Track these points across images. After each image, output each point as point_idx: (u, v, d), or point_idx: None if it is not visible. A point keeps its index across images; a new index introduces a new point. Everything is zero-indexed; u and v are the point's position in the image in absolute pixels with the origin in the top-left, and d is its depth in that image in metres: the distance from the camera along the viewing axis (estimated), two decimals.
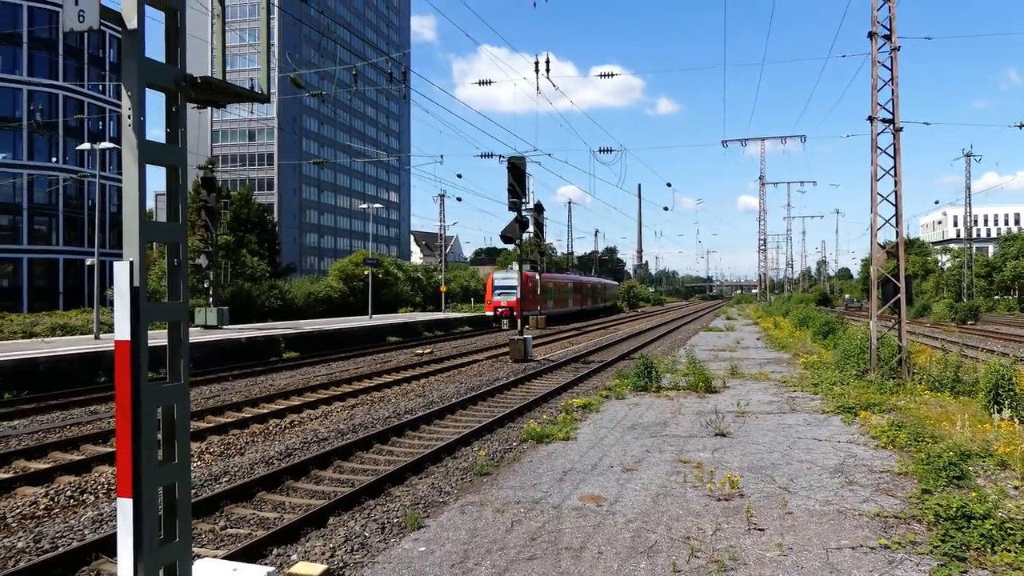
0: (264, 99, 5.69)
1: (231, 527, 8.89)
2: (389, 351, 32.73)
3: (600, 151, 40.32)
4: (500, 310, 52.47)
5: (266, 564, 7.42)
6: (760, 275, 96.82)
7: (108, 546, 7.87)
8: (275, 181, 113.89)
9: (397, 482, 10.57)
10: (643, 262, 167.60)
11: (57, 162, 70.00)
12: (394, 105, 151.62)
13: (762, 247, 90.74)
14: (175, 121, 4.94)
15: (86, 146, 45.78)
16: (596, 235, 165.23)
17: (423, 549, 7.68)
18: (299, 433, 14.29)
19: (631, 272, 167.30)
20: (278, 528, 8.37)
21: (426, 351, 31.61)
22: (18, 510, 9.41)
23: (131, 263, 4.40)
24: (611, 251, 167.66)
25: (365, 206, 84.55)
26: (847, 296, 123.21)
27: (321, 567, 6.42)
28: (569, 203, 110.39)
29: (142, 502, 4.25)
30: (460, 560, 7.32)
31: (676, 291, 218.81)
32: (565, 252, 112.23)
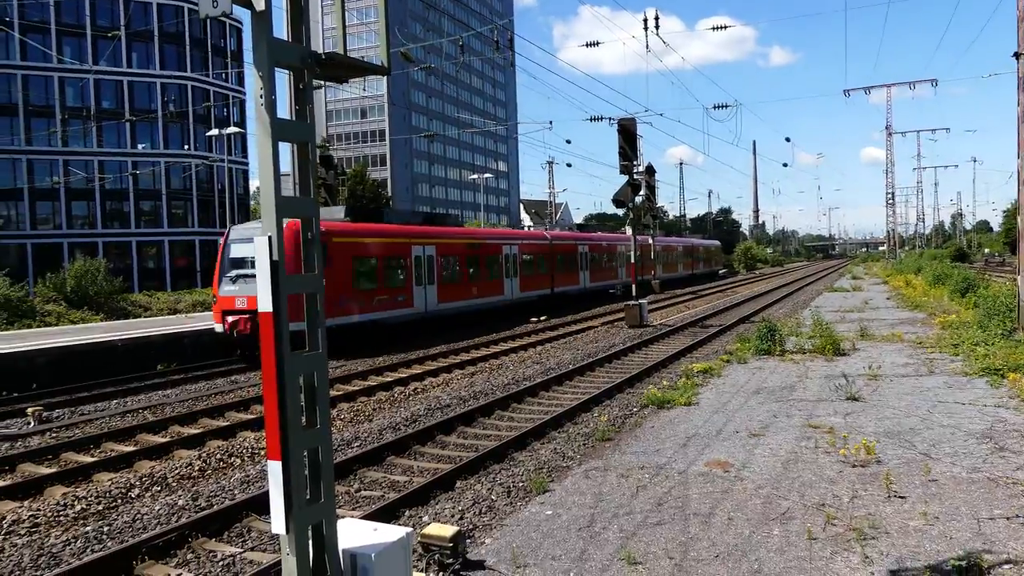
0: (385, 71, 5.76)
1: (364, 489, 9.30)
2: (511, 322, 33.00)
3: (714, 107, 38.88)
4: (233, 323, 20.63)
5: (400, 525, 7.72)
6: (888, 231, 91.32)
7: (256, 505, 8.43)
8: (387, 156, 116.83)
9: (520, 447, 10.73)
10: (760, 222, 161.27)
11: (189, 149, 74.53)
12: (500, 74, 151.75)
13: (890, 201, 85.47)
14: (303, 98, 5.08)
15: (214, 132, 48.45)
16: (709, 196, 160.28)
17: (549, 512, 7.77)
18: (423, 400, 14.74)
19: (747, 233, 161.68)
20: (409, 491, 8.68)
21: (541, 318, 31.80)
22: (176, 471, 10.21)
23: (269, 238, 4.58)
24: (726, 212, 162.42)
25: (475, 177, 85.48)
26: (987, 251, 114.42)
27: (453, 528, 6.60)
28: (680, 164, 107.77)
29: (290, 464, 4.47)
30: (587, 524, 7.36)
31: (796, 251, 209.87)
32: (677, 215, 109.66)
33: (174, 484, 9.78)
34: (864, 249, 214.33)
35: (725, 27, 32.79)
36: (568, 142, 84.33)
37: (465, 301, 29.21)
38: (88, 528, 8.08)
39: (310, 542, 4.67)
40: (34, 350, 18.38)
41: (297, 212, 5.02)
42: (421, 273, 26.28)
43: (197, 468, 10.39)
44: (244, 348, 21.01)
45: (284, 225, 4.77)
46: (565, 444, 10.77)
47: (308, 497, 4.68)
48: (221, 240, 22.67)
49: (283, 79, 5.98)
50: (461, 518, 7.85)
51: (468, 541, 6.97)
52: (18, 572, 6.96)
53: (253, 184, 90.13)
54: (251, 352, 20.36)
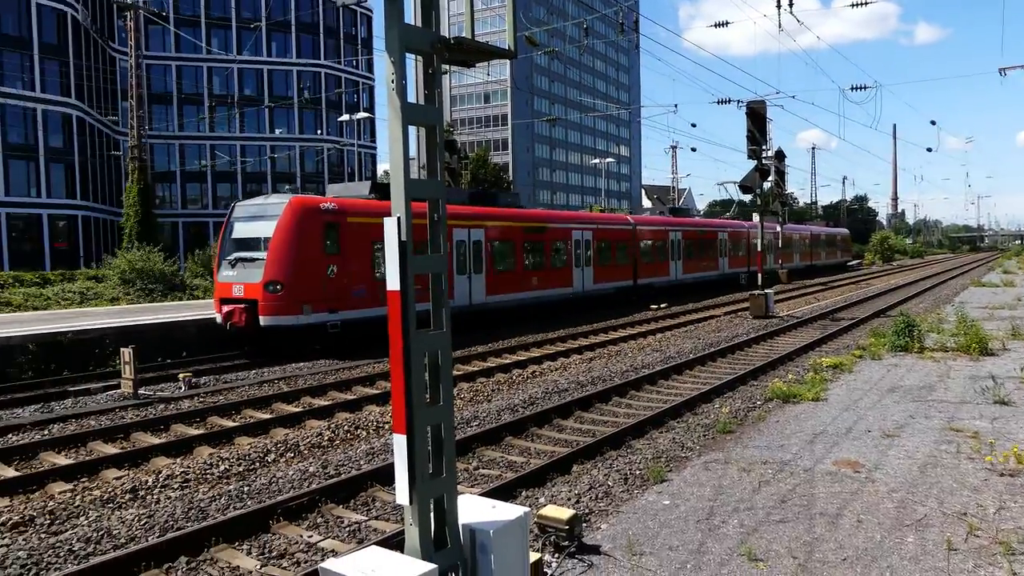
0: (511, 55, 5.80)
1: (483, 468, 9.50)
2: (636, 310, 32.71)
3: (851, 89, 36.73)
4: (228, 313, 18.45)
5: (517, 504, 7.84)
6: None
7: (380, 476, 8.79)
8: (509, 141, 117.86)
9: (638, 435, 10.62)
10: (899, 211, 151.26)
11: (321, 134, 78.06)
12: (623, 57, 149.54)
13: None
14: (431, 83, 5.19)
15: (345, 117, 50.43)
16: (843, 182, 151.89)
17: (667, 502, 7.66)
18: (540, 383, 14.85)
19: (884, 222, 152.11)
20: (526, 472, 8.79)
21: (662, 306, 31.29)
22: (308, 439, 10.80)
23: (398, 219, 4.73)
24: (860, 200, 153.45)
25: (596, 161, 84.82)
26: None
27: (569, 511, 6.63)
28: (812, 148, 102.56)
29: (414, 438, 4.63)
30: (706, 516, 7.21)
31: (939, 242, 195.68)
32: (808, 202, 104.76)
33: (305, 452, 10.35)
34: (1018, 241, 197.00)
35: (865, 3, 30.78)
36: (693, 126, 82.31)
37: (522, 294, 25.72)
38: (231, 487, 8.70)
39: (432, 515, 4.82)
40: (186, 321, 19.86)
41: (425, 193, 5.15)
42: (465, 261, 22.96)
43: (326, 438, 10.94)
44: (241, 342, 19.15)
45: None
46: (684, 434, 10.57)
47: (431, 471, 4.83)
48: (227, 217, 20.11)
49: (411, 64, 6.14)
50: (577, 502, 7.87)
51: (584, 525, 6.99)
52: (172, 522, 7.58)
53: (380, 167, 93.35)
54: (249, 346, 18.95)
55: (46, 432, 11.36)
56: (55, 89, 56.88)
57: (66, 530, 7.56)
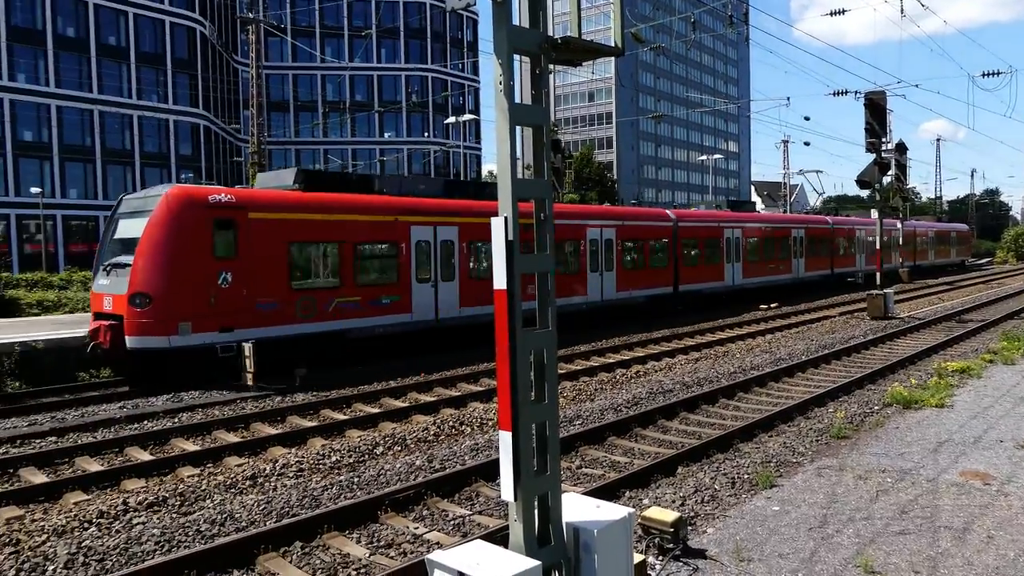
0: (618, 52, 5.76)
1: (586, 467, 9.48)
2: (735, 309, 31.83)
3: (982, 75, 34.33)
4: (94, 331, 14.95)
5: (620, 504, 7.79)
6: None
7: (484, 472, 8.92)
8: (614, 139, 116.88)
9: (746, 438, 10.32)
10: None
11: (428, 136, 79.88)
12: (732, 50, 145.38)
13: None
14: (539, 83, 5.22)
15: (451, 120, 51.38)
16: (972, 175, 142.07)
17: (777, 508, 7.42)
18: (644, 383, 14.67)
19: (1019, 216, 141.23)
20: (629, 472, 8.71)
21: (772, 305, 30.25)
22: (414, 434, 11.09)
23: (505, 219, 4.79)
24: (991, 193, 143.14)
25: (703, 158, 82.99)
26: None
27: (674, 514, 6.53)
28: (937, 140, 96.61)
29: (519, 435, 4.68)
30: (818, 524, 6.93)
31: None
32: (932, 196, 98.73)
33: (412, 445, 10.63)
34: None
35: None
36: (807, 119, 79.03)
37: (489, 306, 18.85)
38: (341, 477, 9.05)
39: (536, 511, 4.86)
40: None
41: (532, 193, 5.19)
42: (424, 265, 18.56)
43: (432, 433, 11.20)
44: (108, 365, 15.86)
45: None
46: (795, 439, 10.19)
47: (535, 468, 4.87)
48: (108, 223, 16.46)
49: (517, 65, 6.19)
50: (682, 504, 7.74)
51: (689, 528, 6.86)
52: (287, 509, 7.97)
53: (485, 168, 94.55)
54: (121, 370, 15.50)
55: (176, 420, 12.15)
56: (185, 101, 60.80)
57: (194, 511, 8.07)
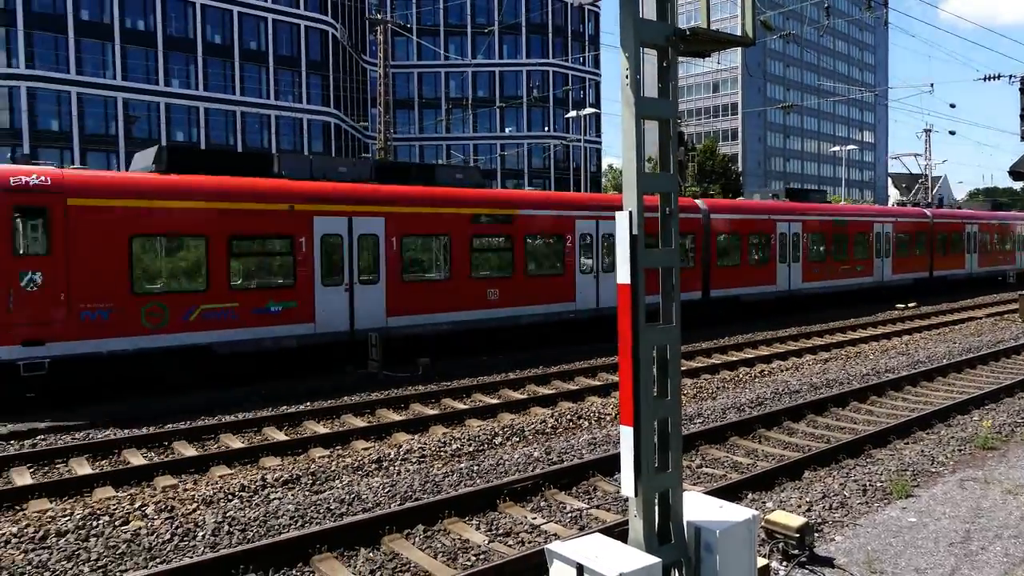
0: (749, 42, 5.59)
1: (706, 466, 9.28)
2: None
3: None
4: None
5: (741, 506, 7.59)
6: None
7: (601, 466, 8.91)
8: (739, 131, 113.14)
9: (879, 444, 9.80)
10: None
11: (548, 131, 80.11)
12: (869, 35, 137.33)
13: None
14: (666, 75, 5.16)
15: (572, 114, 51.31)
16: None
17: (913, 520, 7.01)
18: (769, 383, 14.17)
19: None
20: (752, 474, 8.46)
21: (909, 305, 28.44)
22: (532, 426, 11.21)
23: (630, 213, 4.76)
24: None
25: (836, 149, 78.95)
26: None
27: (800, 519, 6.30)
28: None
29: (640, 431, 4.66)
30: (960, 539, 6.50)
31: None
32: None
33: (530, 437, 10.75)
34: None
35: None
36: (952, 106, 73.50)
37: (445, 315, 16.98)
38: (462, 465, 9.28)
39: (656, 508, 4.82)
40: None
41: (657, 187, 5.13)
42: (334, 264, 15.52)
43: (550, 425, 11.29)
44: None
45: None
46: (935, 447, 9.57)
47: (656, 465, 4.83)
48: None
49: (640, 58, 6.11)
50: (808, 510, 7.44)
51: (816, 535, 6.60)
52: (410, 493, 8.27)
53: (605, 162, 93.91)
54: None
55: (308, 404, 12.82)
56: (317, 100, 63.84)
57: (325, 490, 8.51)
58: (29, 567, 6.47)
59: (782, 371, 15.67)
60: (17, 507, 8.20)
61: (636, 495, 4.66)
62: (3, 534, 7.20)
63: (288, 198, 14.86)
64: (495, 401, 13.03)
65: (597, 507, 7.95)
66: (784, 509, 7.42)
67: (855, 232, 29.22)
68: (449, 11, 79.70)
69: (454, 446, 10.22)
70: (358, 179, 16.46)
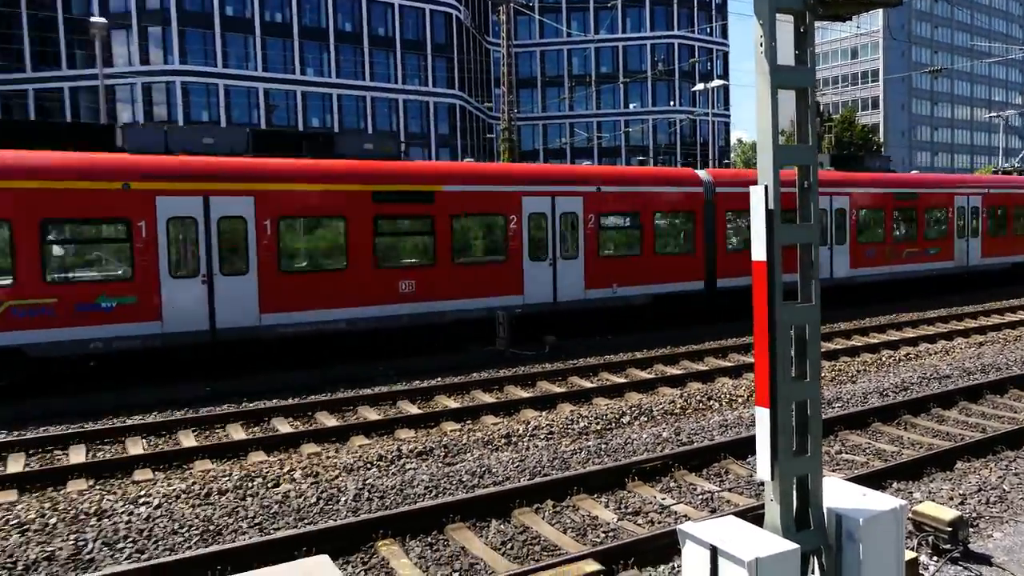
0: (895, 2, 5.23)
1: (846, 453, 8.88)
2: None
3: None
4: None
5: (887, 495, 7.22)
6: None
7: (733, 449, 8.71)
8: (880, 99, 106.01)
9: None
10: None
11: (674, 105, 78.11)
12: None
13: None
14: (803, 42, 4.92)
15: (699, 87, 49.79)
16: None
17: None
18: (915, 367, 13.33)
19: None
20: (897, 462, 8.04)
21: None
22: (660, 406, 11.10)
23: (765, 187, 4.60)
24: None
25: (992, 115, 72.55)
26: None
27: (952, 512, 5.92)
28: None
29: (777, 413, 4.51)
30: None
31: None
32: None
33: (658, 417, 10.65)
34: None
35: None
36: None
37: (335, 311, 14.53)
38: (589, 443, 9.33)
39: (794, 493, 4.67)
40: None
41: (795, 159, 4.93)
42: (186, 252, 13.35)
43: (679, 406, 11.13)
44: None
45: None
46: None
47: (794, 448, 4.67)
48: None
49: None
50: (962, 503, 6.98)
51: (971, 530, 6.19)
52: (539, 468, 8.40)
53: (734, 136, 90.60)
54: None
55: (439, 380, 13.24)
56: (443, 83, 65.17)
57: (456, 463, 8.79)
58: (196, 520, 7.09)
59: (930, 355, 14.69)
60: (185, 466, 8.99)
61: (773, 479, 4.53)
62: (175, 489, 7.93)
63: (121, 174, 12.70)
64: (622, 380, 12.97)
65: (729, 490, 7.79)
66: (933, 500, 7.00)
67: (928, 207, 23.48)
68: None
69: (581, 424, 10.28)
70: (230, 152, 14.23)
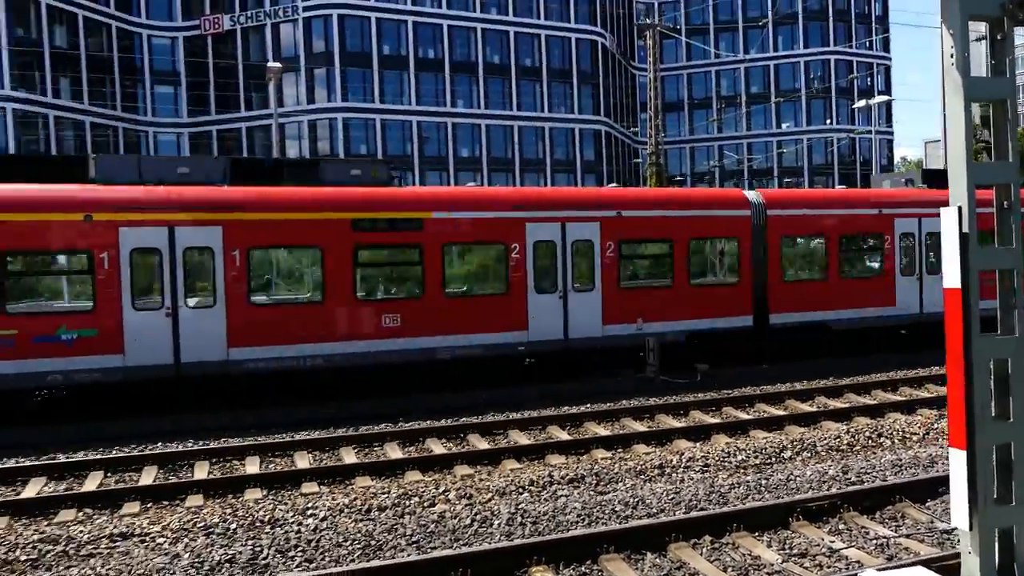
0: None
1: None
2: None
3: None
4: None
5: None
6: None
7: (910, 491, 8.04)
8: None
9: None
10: None
11: (831, 123, 74.45)
12: None
13: None
14: (1001, 50, 4.53)
15: (860, 103, 47.17)
16: None
17: None
18: None
19: None
20: None
21: None
22: (824, 441, 10.46)
23: (959, 208, 4.24)
24: None
25: None
26: None
27: None
28: None
29: (975, 455, 4.11)
30: None
31: None
32: None
33: (822, 453, 10.03)
34: None
35: None
36: None
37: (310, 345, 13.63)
38: (748, 477, 8.92)
39: (996, 545, 4.22)
40: None
41: (991, 178, 4.52)
42: (150, 284, 13.12)
43: (845, 442, 10.43)
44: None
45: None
46: None
47: (995, 496, 4.23)
48: None
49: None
50: None
51: None
52: (695, 502, 8.11)
53: (898, 154, 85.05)
54: None
55: (588, 406, 13.14)
56: (588, 110, 65.66)
57: (609, 491, 8.66)
58: (359, 535, 7.39)
59: None
60: (347, 481, 9.42)
61: (970, 529, 4.12)
62: (338, 503, 8.32)
63: (83, 206, 12.46)
64: (781, 412, 12.36)
65: (907, 536, 7.18)
66: None
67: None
68: (719, 8, 77.55)
69: (739, 457, 9.85)
70: (205, 181, 13.71)
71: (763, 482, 8.70)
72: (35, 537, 7.61)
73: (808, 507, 7.72)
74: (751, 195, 17.44)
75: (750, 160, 73.86)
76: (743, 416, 12.24)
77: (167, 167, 13.91)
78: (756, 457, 9.85)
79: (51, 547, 7.38)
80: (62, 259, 13.11)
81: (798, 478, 8.79)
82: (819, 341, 17.17)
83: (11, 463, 10.27)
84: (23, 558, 7.15)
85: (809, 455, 9.96)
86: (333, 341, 13.62)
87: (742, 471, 9.39)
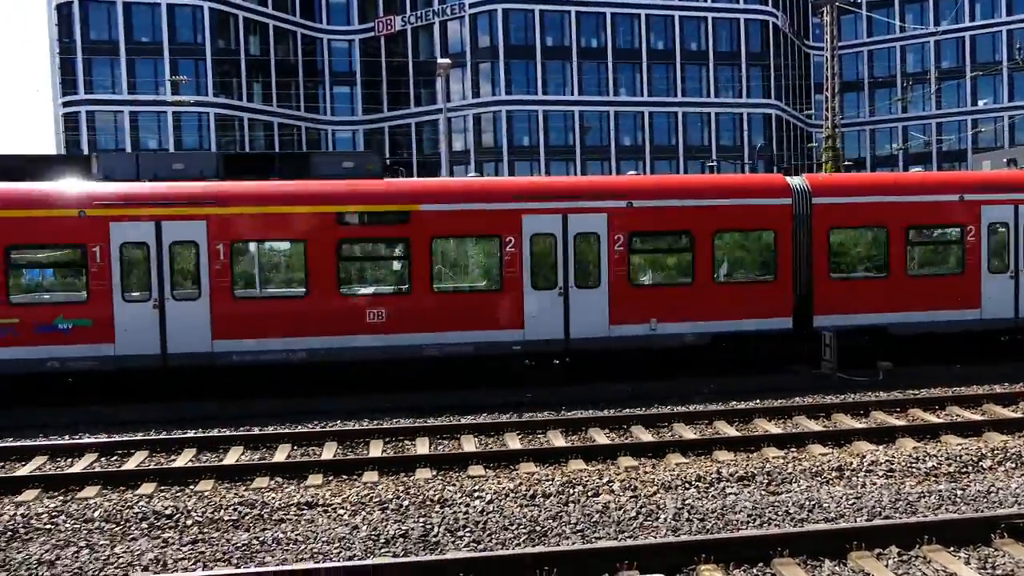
0: None
1: None
2: None
3: None
4: None
5: None
6: None
7: None
8: None
9: None
10: None
11: None
12: None
13: None
14: None
15: None
16: None
17: None
18: None
19: None
20: None
21: None
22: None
23: None
24: None
25: None
26: None
27: None
28: None
29: None
30: None
31: None
32: None
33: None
34: None
35: None
36: None
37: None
38: (940, 486, 8.19)
39: None
40: None
41: None
42: (136, 276, 13.45)
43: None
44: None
45: None
46: None
47: None
48: None
49: None
50: None
51: None
52: (879, 509, 7.53)
53: None
54: None
55: (757, 402, 12.57)
56: (758, 93, 62.79)
57: (782, 492, 8.25)
58: (524, 519, 7.51)
59: None
60: (511, 466, 9.60)
61: None
62: (503, 488, 8.50)
63: (77, 202, 13.18)
64: (978, 417, 11.23)
65: None
66: None
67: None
68: None
69: (929, 463, 9.05)
70: (199, 176, 14.03)
71: (958, 492, 7.95)
72: (235, 500, 8.38)
73: (1015, 524, 6.95)
74: (794, 181, 15.54)
75: (939, 142, 67.52)
76: (932, 419, 11.23)
77: (163, 163, 14.74)
78: (949, 464, 9.01)
79: (248, 510, 8.09)
80: (59, 253, 13.78)
81: (1001, 490, 7.96)
82: (873, 348, 14.91)
83: (214, 432, 11.35)
84: (226, 519, 7.89)
85: (1014, 466, 8.97)
86: (315, 335, 13.65)
87: (933, 479, 8.62)
